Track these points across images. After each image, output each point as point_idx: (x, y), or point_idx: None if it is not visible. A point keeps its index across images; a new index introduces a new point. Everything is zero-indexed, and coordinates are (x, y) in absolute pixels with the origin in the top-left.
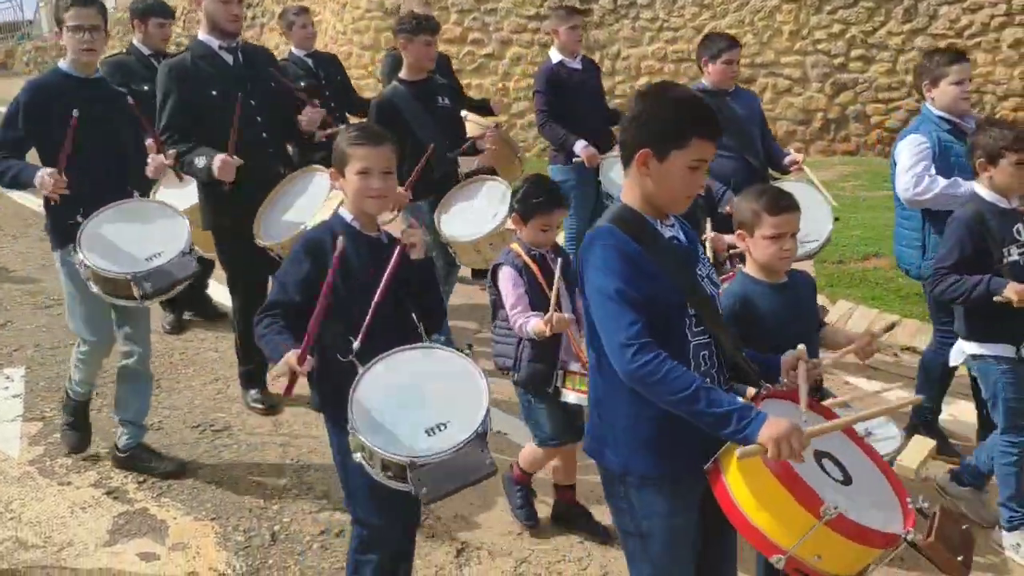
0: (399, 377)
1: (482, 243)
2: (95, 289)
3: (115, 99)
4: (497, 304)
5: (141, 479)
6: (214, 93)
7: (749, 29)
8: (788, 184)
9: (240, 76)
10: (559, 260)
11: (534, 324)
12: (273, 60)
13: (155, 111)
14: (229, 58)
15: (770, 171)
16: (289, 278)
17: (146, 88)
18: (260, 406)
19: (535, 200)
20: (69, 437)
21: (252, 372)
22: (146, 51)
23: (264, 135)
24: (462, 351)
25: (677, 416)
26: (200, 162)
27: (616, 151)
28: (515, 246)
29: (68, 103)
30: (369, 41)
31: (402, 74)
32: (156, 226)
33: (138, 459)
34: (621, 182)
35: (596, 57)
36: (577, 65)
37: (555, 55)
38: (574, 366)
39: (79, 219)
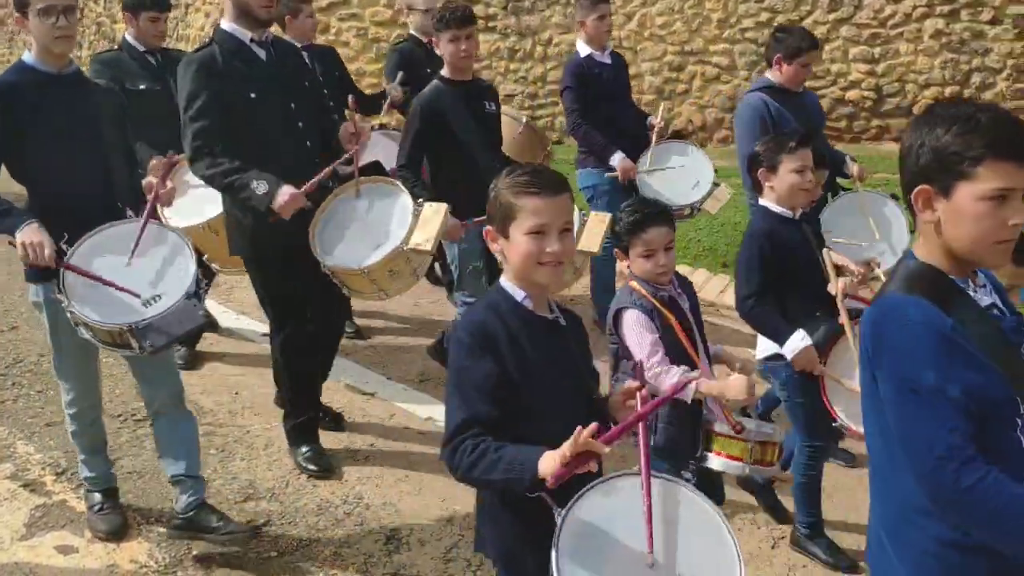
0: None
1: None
2: (86, 335)
3: (98, 96)
4: (620, 355)
5: (60, 470)
6: (252, 96)
7: (679, 17)
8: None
9: (275, 75)
10: (687, 300)
11: (703, 384)
12: (335, 58)
13: (153, 112)
14: (262, 53)
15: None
16: (469, 385)
17: (142, 87)
18: (315, 468)
19: (629, 220)
20: (103, 521)
21: (303, 426)
22: (140, 47)
23: (308, 144)
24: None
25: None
26: (260, 188)
27: (647, 160)
28: (635, 284)
29: (38, 105)
30: None
31: (444, 71)
32: (154, 257)
33: (201, 522)
34: (661, 189)
35: (528, 43)
36: (607, 59)
37: (583, 48)
38: (720, 426)
39: (63, 247)
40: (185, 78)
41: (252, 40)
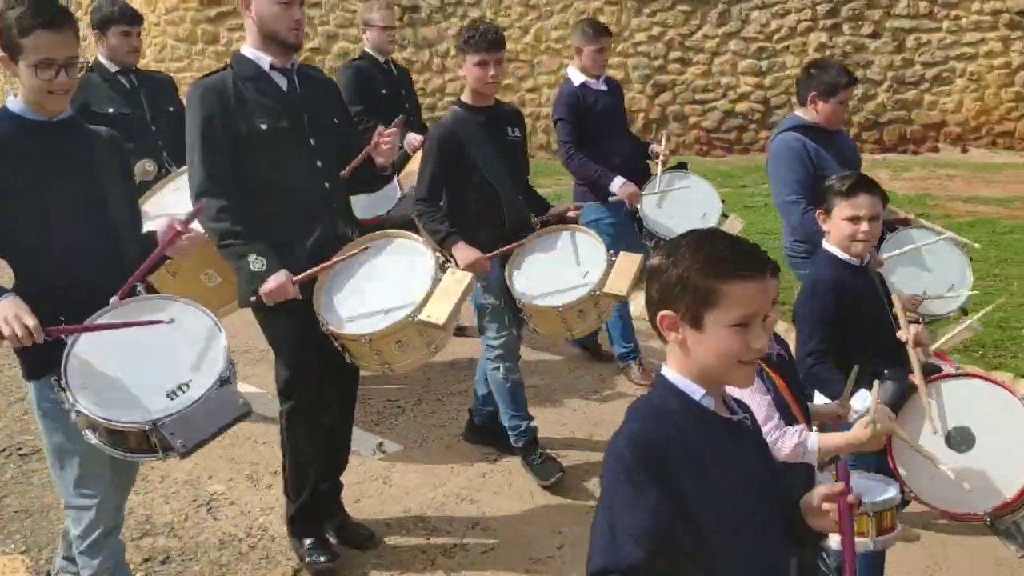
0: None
1: (569, 312)
2: (93, 440)
3: (97, 146)
4: None
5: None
6: (263, 127)
7: (573, 31)
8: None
9: (294, 106)
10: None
11: (826, 440)
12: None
13: (129, 135)
14: (282, 81)
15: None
16: (626, 521)
17: (110, 111)
18: (322, 560)
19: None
20: None
21: (305, 512)
22: (112, 67)
23: (327, 186)
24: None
25: None
26: (256, 264)
27: (655, 185)
28: None
29: (24, 160)
30: (184, 33)
31: (464, 97)
32: (175, 336)
33: None
34: (668, 221)
35: (425, 55)
36: (602, 87)
37: (575, 76)
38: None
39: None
40: (191, 105)
41: (272, 67)
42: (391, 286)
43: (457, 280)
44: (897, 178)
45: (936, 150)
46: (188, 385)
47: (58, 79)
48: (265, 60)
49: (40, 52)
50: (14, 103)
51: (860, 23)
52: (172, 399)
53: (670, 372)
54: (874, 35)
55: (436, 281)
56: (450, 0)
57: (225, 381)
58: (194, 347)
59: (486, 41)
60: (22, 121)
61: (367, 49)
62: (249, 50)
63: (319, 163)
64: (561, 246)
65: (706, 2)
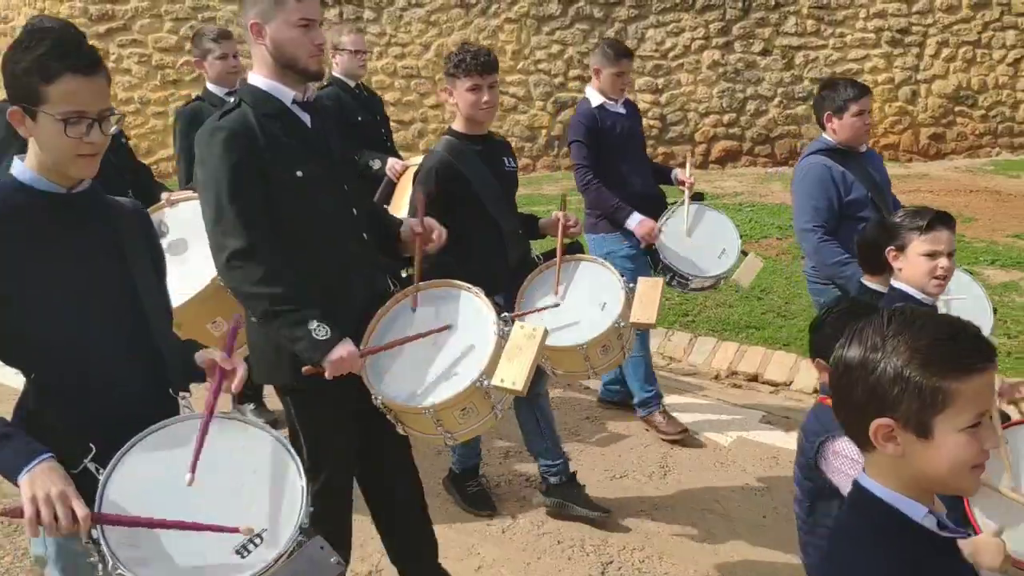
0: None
1: (592, 347)
2: None
3: (122, 222)
4: (823, 492)
5: None
6: (300, 175)
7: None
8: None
9: (323, 146)
10: None
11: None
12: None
13: None
14: (305, 117)
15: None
16: None
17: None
18: None
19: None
20: None
21: None
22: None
23: (365, 236)
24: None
25: None
26: (320, 332)
27: (672, 215)
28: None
29: (36, 245)
30: None
31: (456, 125)
32: (230, 470)
33: None
34: (686, 256)
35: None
36: (621, 109)
37: (594, 96)
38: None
39: (89, 466)
40: (214, 151)
41: (295, 101)
42: (448, 345)
43: (528, 335)
44: (789, 191)
45: None
46: (260, 538)
47: (91, 136)
48: (287, 94)
49: (69, 103)
50: (22, 170)
51: (751, 41)
52: (242, 556)
53: (876, 486)
54: (764, 52)
55: (502, 337)
56: (348, 16)
57: (305, 529)
58: (262, 482)
59: (478, 64)
60: (33, 193)
61: (336, 74)
62: (263, 81)
63: (355, 210)
64: (569, 279)
65: (603, 21)
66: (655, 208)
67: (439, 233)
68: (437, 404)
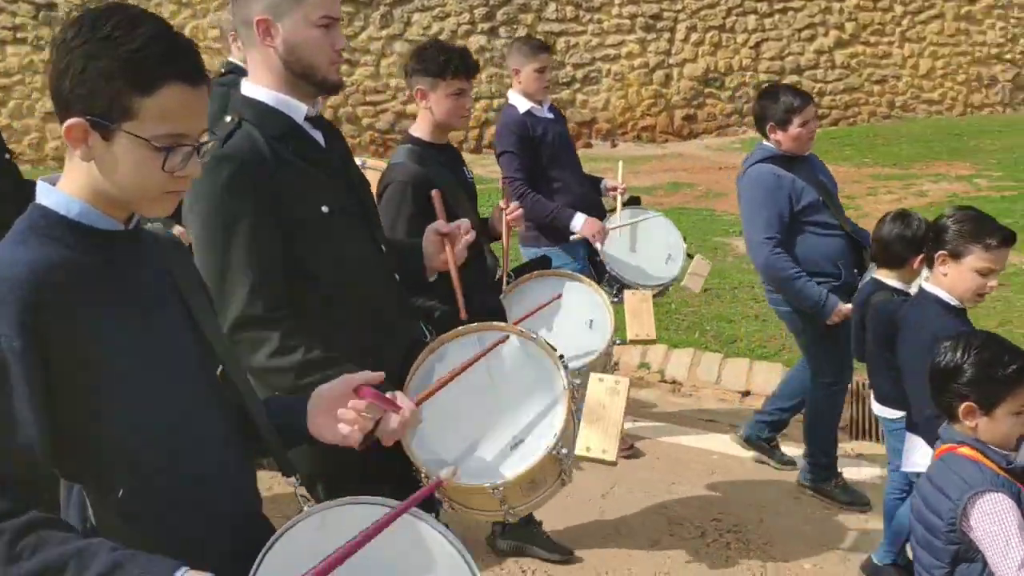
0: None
1: (514, 486)
2: None
3: (172, 258)
4: (967, 554)
5: None
6: (324, 209)
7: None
8: None
9: (341, 171)
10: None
11: None
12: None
13: None
14: (318, 136)
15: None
16: None
17: None
18: None
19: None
20: None
21: None
22: None
23: (396, 276)
24: None
25: None
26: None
27: (613, 221)
28: (976, 453)
29: (95, 295)
30: None
31: (417, 132)
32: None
33: None
34: (628, 260)
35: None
36: (549, 114)
37: (520, 102)
38: None
39: None
40: (213, 190)
41: (306, 118)
42: (509, 403)
43: (611, 390)
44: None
45: (589, 146)
46: None
47: (187, 168)
48: (298, 109)
49: (170, 122)
50: (65, 201)
51: (515, 27)
52: None
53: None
54: (528, 38)
55: (568, 391)
56: None
57: None
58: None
59: (466, 65)
60: (85, 233)
61: (238, 61)
62: (268, 93)
63: (383, 247)
64: (542, 299)
65: (368, 4)
66: (597, 217)
67: (466, 227)
68: (508, 481)
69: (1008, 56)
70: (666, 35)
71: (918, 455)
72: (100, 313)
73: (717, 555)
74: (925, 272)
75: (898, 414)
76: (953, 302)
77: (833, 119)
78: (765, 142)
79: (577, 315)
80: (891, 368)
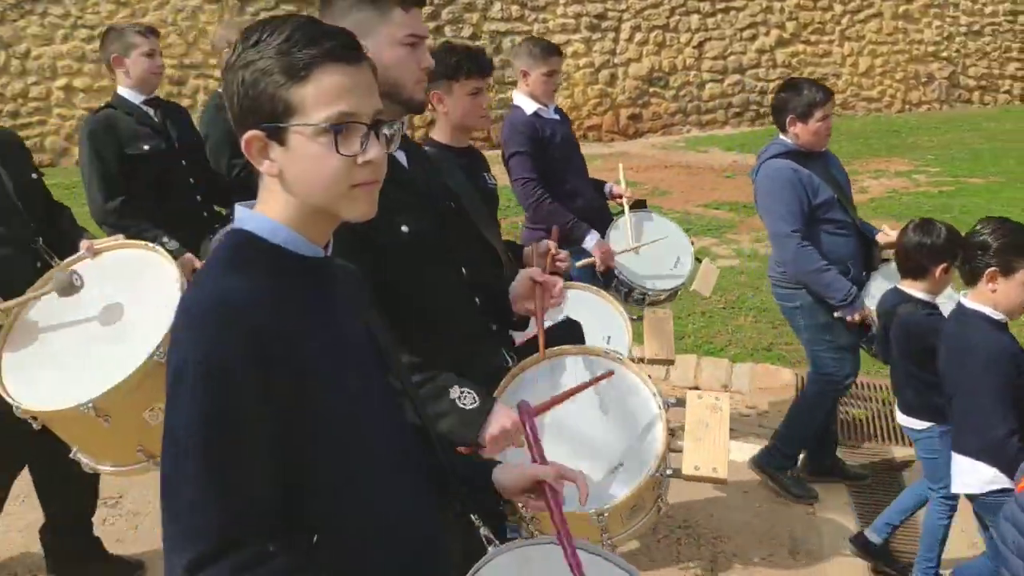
0: None
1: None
2: None
3: (356, 290)
4: None
5: None
6: (404, 229)
7: (173, 29)
8: None
9: (422, 189)
10: None
11: None
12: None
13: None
14: (402, 157)
15: None
16: None
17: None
18: None
19: None
20: None
21: None
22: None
23: (478, 301)
24: None
25: None
26: (466, 399)
27: (626, 232)
28: None
29: (317, 334)
30: None
31: (437, 135)
32: None
33: None
34: (637, 266)
35: (2, 57)
36: (556, 116)
37: (526, 103)
38: None
39: None
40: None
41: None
42: (605, 429)
43: (712, 406)
44: None
45: None
46: None
47: (368, 153)
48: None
49: (333, 102)
50: (270, 227)
51: (460, 26)
52: None
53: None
54: (474, 37)
55: (663, 409)
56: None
57: None
58: None
59: (479, 64)
60: (293, 260)
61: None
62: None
63: (464, 271)
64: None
65: (311, 3)
66: (603, 222)
67: (560, 288)
68: (608, 508)
69: (944, 54)
70: (611, 35)
71: (971, 476)
72: (309, 346)
73: (667, 551)
74: (949, 289)
75: (924, 425)
76: (998, 317)
77: None
78: (781, 136)
79: (592, 331)
80: (917, 379)
